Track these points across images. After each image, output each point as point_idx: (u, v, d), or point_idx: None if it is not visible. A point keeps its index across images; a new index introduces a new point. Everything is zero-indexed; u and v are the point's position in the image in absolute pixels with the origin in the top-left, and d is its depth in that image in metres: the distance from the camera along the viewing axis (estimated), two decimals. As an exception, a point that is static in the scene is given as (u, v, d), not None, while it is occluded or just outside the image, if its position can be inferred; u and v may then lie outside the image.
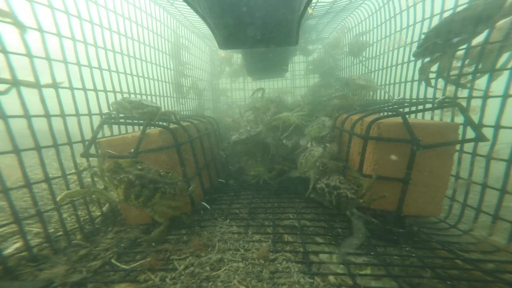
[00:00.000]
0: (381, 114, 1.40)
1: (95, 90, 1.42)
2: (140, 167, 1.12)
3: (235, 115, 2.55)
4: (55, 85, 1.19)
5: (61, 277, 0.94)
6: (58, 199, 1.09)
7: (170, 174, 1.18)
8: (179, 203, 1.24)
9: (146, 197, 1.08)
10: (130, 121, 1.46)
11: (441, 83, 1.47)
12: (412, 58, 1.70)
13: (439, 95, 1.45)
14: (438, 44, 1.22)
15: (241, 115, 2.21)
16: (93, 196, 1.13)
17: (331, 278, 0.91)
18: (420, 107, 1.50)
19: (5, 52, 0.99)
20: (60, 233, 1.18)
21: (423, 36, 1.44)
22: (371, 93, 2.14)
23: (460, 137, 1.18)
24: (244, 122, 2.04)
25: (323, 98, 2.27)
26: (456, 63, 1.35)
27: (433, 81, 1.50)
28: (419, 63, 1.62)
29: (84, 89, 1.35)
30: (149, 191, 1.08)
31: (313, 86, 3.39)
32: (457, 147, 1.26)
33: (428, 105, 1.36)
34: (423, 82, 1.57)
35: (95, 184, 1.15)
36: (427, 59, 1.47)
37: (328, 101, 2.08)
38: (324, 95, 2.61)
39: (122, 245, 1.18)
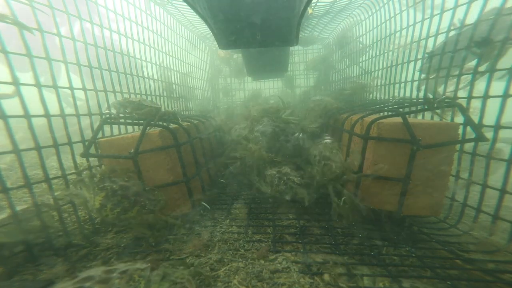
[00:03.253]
0: (381, 114, 1.40)
1: (95, 90, 1.43)
2: (127, 179, 1.12)
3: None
4: (55, 85, 1.19)
5: (61, 277, 0.94)
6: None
7: (155, 192, 1.19)
8: (154, 221, 1.20)
9: (123, 209, 1.05)
10: (130, 121, 1.46)
11: (440, 83, 1.47)
12: (412, 58, 1.70)
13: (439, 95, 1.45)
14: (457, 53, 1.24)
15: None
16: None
17: (331, 278, 0.91)
18: (420, 107, 1.50)
19: (5, 52, 0.99)
20: (60, 233, 1.19)
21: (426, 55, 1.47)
22: (374, 93, 2.14)
23: (460, 137, 1.18)
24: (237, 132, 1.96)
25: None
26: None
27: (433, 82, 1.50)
28: (418, 64, 1.63)
29: (84, 89, 1.35)
30: (129, 203, 1.05)
31: (315, 83, 3.39)
32: (457, 147, 1.26)
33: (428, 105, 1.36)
34: (423, 82, 1.58)
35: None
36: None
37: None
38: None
39: (122, 245, 1.18)
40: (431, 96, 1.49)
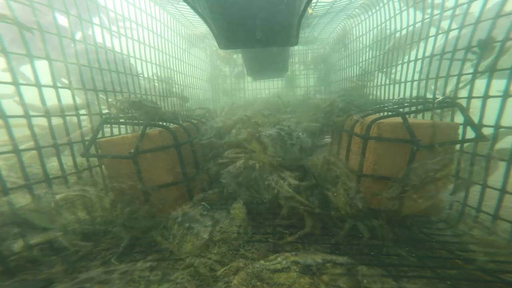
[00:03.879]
0: (381, 114, 1.40)
1: (95, 90, 1.42)
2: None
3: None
4: (55, 85, 1.19)
5: (61, 277, 0.94)
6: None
7: (160, 190, 1.19)
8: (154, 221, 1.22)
9: (133, 208, 1.06)
10: (130, 121, 1.46)
11: (440, 83, 1.47)
12: (412, 58, 1.70)
13: (439, 95, 1.45)
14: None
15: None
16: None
17: (331, 278, 0.91)
18: (420, 107, 1.50)
19: (5, 52, 0.99)
20: (60, 233, 1.18)
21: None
22: (374, 93, 2.15)
23: (460, 137, 1.18)
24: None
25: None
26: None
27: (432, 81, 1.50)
28: (418, 64, 1.63)
29: (84, 89, 1.35)
30: (139, 202, 1.05)
31: (315, 83, 3.39)
32: (457, 147, 1.26)
33: (428, 105, 1.36)
34: (423, 82, 1.58)
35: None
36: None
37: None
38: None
39: (122, 245, 1.18)
40: (431, 96, 1.49)
